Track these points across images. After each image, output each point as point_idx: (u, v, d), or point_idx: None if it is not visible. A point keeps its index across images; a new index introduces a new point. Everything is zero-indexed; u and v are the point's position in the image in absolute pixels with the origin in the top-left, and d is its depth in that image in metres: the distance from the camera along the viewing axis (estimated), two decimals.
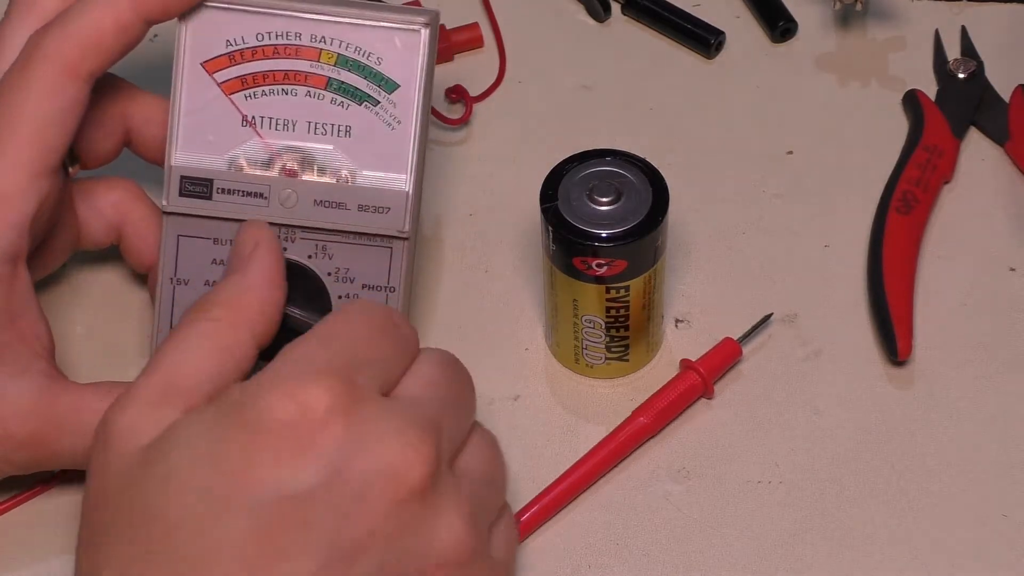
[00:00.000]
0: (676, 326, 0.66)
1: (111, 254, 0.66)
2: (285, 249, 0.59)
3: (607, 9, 0.77)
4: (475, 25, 0.76)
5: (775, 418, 0.63)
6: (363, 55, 0.59)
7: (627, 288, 0.61)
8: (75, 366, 0.65)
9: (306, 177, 0.60)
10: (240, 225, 0.59)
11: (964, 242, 0.68)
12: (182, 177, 0.60)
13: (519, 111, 0.74)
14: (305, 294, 0.59)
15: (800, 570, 0.59)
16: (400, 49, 0.59)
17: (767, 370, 0.65)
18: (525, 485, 0.61)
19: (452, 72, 0.75)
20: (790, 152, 0.72)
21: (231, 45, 0.59)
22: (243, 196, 0.60)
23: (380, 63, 0.59)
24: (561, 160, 0.61)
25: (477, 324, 0.67)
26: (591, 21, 0.77)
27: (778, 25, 0.76)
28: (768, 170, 0.71)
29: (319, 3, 0.59)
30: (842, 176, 0.71)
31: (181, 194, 0.60)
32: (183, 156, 0.60)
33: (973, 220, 0.69)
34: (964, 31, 0.75)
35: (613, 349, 0.63)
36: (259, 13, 0.59)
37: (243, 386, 0.49)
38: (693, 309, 0.67)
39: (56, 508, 0.61)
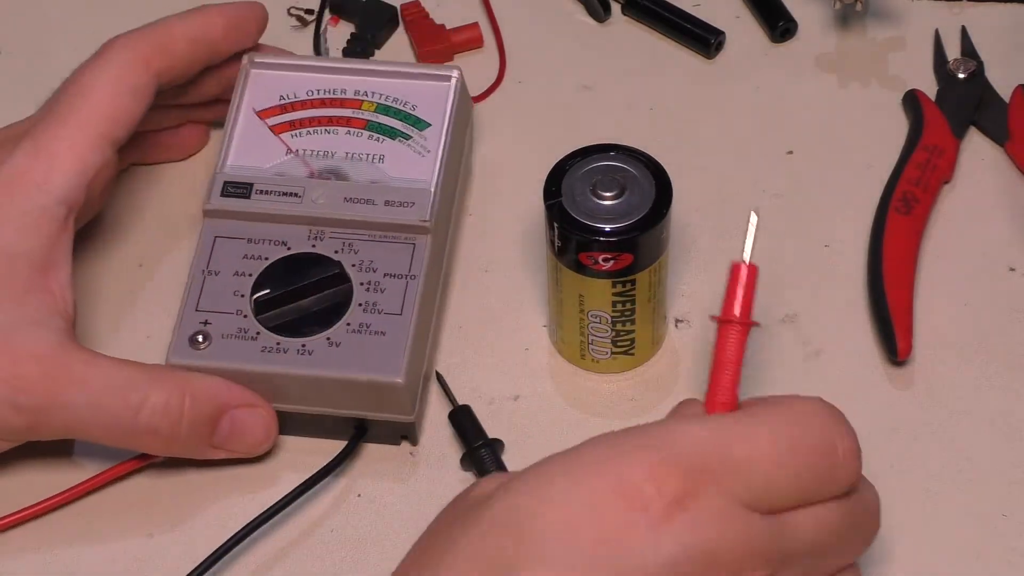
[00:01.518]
0: (676, 326, 0.66)
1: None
2: (313, 246, 0.63)
3: (607, 9, 0.77)
4: (475, 25, 0.76)
5: None
6: (400, 103, 0.66)
7: (633, 282, 0.61)
8: None
9: (339, 181, 0.64)
10: None
11: (964, 242, 0.68)
12: (225, 182, 0.64)
13: (519, 111, 0.74)
14: (323, 284, 0.62)
15: None
16: (433, 97, 0.66)
17: (767, 370, 0.65)
18: None
19: None
20: (790, 152, 0.72)
21: (284, 99, 0.67)
22: (279, 196, 0.64)
23: (415, 109, 0.66)
24: (563, 156, 0.61)
25: (477, 324, 0.67)
26: (591, 21, 0.77)
27: (778, 25, 0.76)
28: (768, 170, 0.71)
29: (364, 63, 0.69)
30: (842, 176, 0.71)
31: (222, 195, 0.64)
32: (229, 169, 0.65)
33: (973, 220, 0.69)
34: (964, 31, 0.75)
35: (619, 343, 0.63)
36: (312, 72, 0.67)
37: (613, 438, 0.48)
38: (693, 309, 0.67)
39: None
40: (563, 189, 0.60)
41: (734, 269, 0.53)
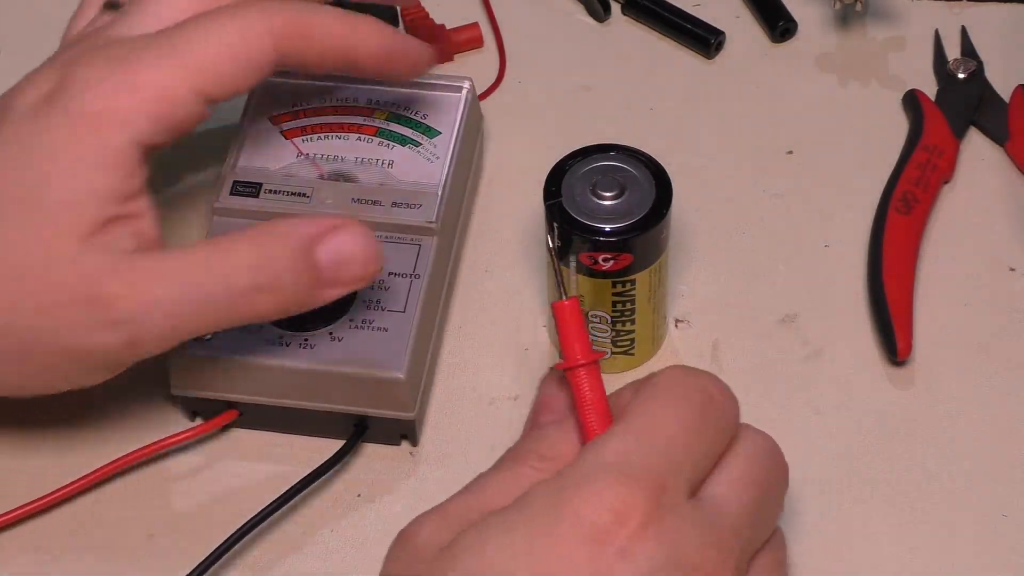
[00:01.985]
0: (676, 326, 0.66)
1: None
2: None
3: (607, 9, 0.77)
4: (475, 25, 0.76)
5: (775, 418, 0.63)
6: (411, 112, 0.67)
7: (633, 282, 0.61)
8: None
9: (347, 183, 0.65)
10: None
11: (964, 242, 0.68)
12: (235, 181, 0.65)
13: (519, 111, 0.74)
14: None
15: (799, 569, 0.59)
16: (444, 107, 0.67)
17: (767, 370, 0.65)
18: None
19: (452, 72, 0.75)
20: (790, 152, 0.72)
21: (297, 105, 0.67)
22: (288, 195, 0.64)
23: (425, 117, 0.67)
24: (563, 156, 0.61)
25: (477, 324, 0.67)
26: (591, 21, 0.77)
27: (778, 25, 0.76)
28: (768, 170, 0.71)
29: None
30: (842, 176, 0.71)
31: (231, 193, 0.65)
32: (239, 169, 0.66)
33: (973, 220, 0.69)
34: (964, 31, 0.75)
35: (619, 343, 0.63)
36: (326, 80, 0.67)
37: (550, 485, 0.49)
38: (693, 309, 0.67)
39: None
40: (563, 189, 0.60)
41: (555, 310, 0.55)
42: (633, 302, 0.62)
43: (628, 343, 0.64)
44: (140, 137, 0.56)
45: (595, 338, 0.63)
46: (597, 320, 0.62)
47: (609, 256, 0.60)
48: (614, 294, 0.61)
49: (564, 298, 0.54)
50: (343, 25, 0.59)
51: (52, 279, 0.55)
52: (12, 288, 0.55)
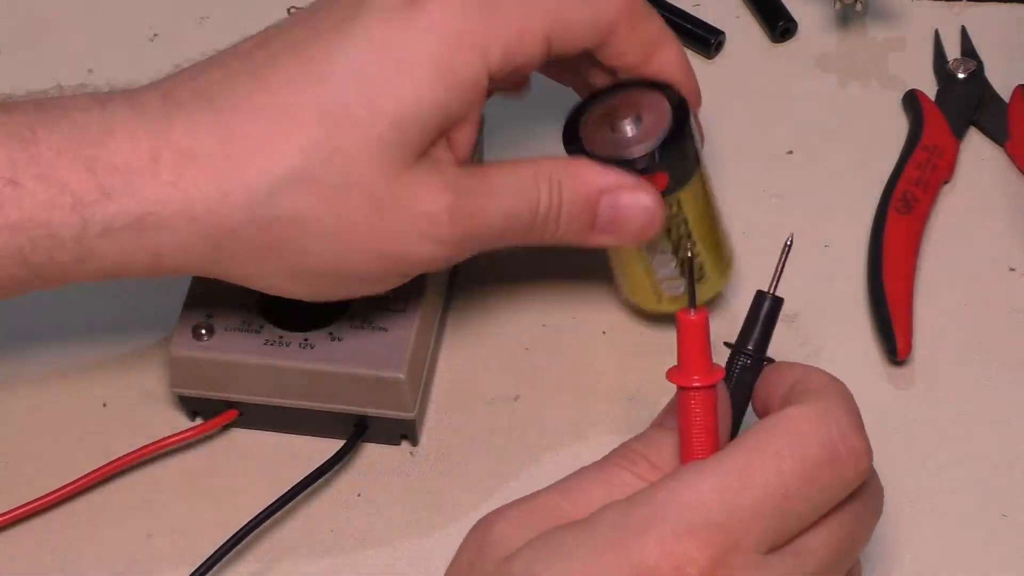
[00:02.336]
0: None
1: None
2: None
3: None
4: None
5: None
6: None
7: (678, 202, 0.60)
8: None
9: None
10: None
11: (964, 242, 0.68)
12: None
13: (519, 110, 0.74)
14: None
15: None
16: None
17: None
18: (525, 485, 0.61)
19: None
20: (790, 152, 0.72)
21: None
22: None
23: None
24: (573, 107, 0.61)
25: (477, 324, 0.67)
26: None
27: (778, 25, 0.76)
28: (768, 170, 0.71)
29: None
30: (842, 176, 0.71)
31: None
32: None
33: (973, 220, 0.69)
34: (964, 31, 0.75)
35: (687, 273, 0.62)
36: None
37: (622, 513, 0.46)
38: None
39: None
40: (580, 134, 0.60)
41: (680, 324, 0.50)
42: (687, 223, 0.61)
43: (697, 268, 0.63)
44: (491, 66, 0.56)
45: (663, 275, 0.63)
46: (658, 254, 0.62)
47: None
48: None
49: (692, 310, 0.50)
50: (682, 55, 0.61)
51: (383, 191, 0.55)
52: (340, 199, 0.54)
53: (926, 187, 0.68)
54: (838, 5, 0.74)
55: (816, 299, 0.67)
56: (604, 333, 0.66)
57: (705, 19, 0.76)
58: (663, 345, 0.66)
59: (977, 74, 0.73)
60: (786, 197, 0.70)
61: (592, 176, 0.58)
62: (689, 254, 0.62)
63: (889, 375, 0.65)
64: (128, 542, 0.61)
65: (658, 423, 0.52)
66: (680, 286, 0.63)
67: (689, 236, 0.62)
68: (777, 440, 0.47)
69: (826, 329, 0.66)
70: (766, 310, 0.54)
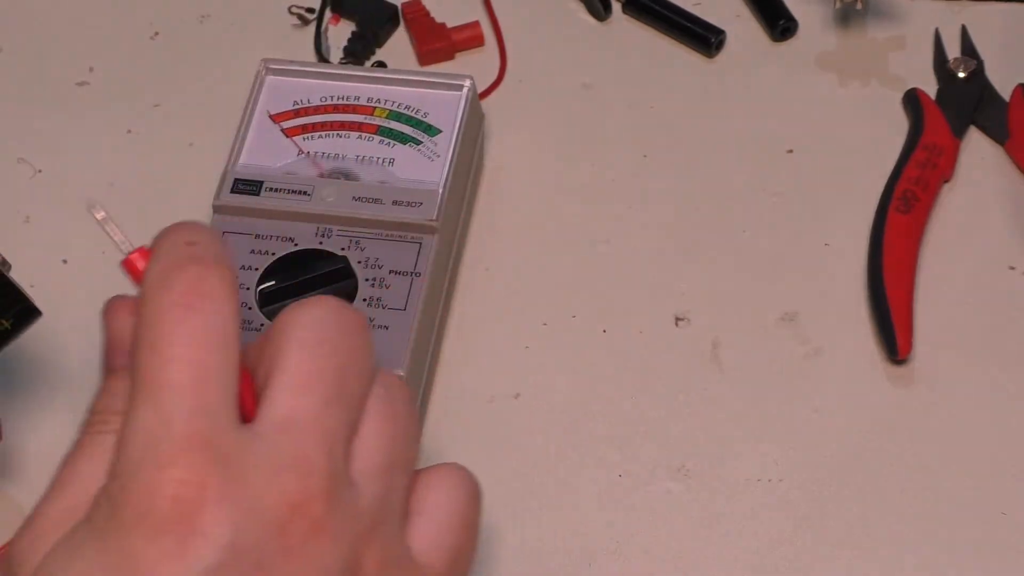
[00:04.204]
0: (677, 325, 0.66)
1: None
2: (320, 243, 0.64)
3: (608, 8, 0.77)
4: (476, 23, 0.76)
5: (775, 417, 0.63)
6: (412, 110, 0.68)
7: None
8: None
9: (348, 180, 0.66)
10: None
11: (964, 241, 0.68)
12: (236, 179, 0.66)
13: (520, 109, 0.74)
14: (328, 278, 0.63)
15: (800, 569, 0.59)
16: (444, 105, 0.68)
17: (767, 369, 0.65)
18: (525, 483, 0.61)
19: (453, 70, 0.75)
20: (790, 151, 0.72)
21: (298, 104, 0.68)
22: (288, 193, 0.65)
23: (426, 116, 0.67)
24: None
25: (477, 323, 0.67)
26: (592, 20, 0.77)
27: (778, 24, 0.76)
28: (768, 169, 0.71)
29: (377, 71, 0.71)
30: (842, 175, 0.71)
31: (232, 191, 0.65)
32: (240, 167, 0.66)
33: (973, 219, 0.69)
34: (964, 30, 0.75)
35: None
36: (326, 79, 0.69)
37: (106, 488, 0.42)
38: (693, 307, 0.67)
39: None
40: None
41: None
42: None
43: None
44: None
45: None
46: None
47: None
48: None
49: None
50: None
51: None
52: None
53: (926, 186, 0.69)
54: (838, 4, 0.74)
55: (816, 298, 0.67)
56: (604, 332, 0.66)
57: (705, 18, 0.76)
58: (663, 345, 0.66)
59: (977, 73, 0.73)
60: (786, 196, 0.70)
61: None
62: None
63: (889, 374, 0.65)
64: None
65: (107, 369, 0.47)
66: None
67: None
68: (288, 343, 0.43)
69: (826, 328, 0.66)
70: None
